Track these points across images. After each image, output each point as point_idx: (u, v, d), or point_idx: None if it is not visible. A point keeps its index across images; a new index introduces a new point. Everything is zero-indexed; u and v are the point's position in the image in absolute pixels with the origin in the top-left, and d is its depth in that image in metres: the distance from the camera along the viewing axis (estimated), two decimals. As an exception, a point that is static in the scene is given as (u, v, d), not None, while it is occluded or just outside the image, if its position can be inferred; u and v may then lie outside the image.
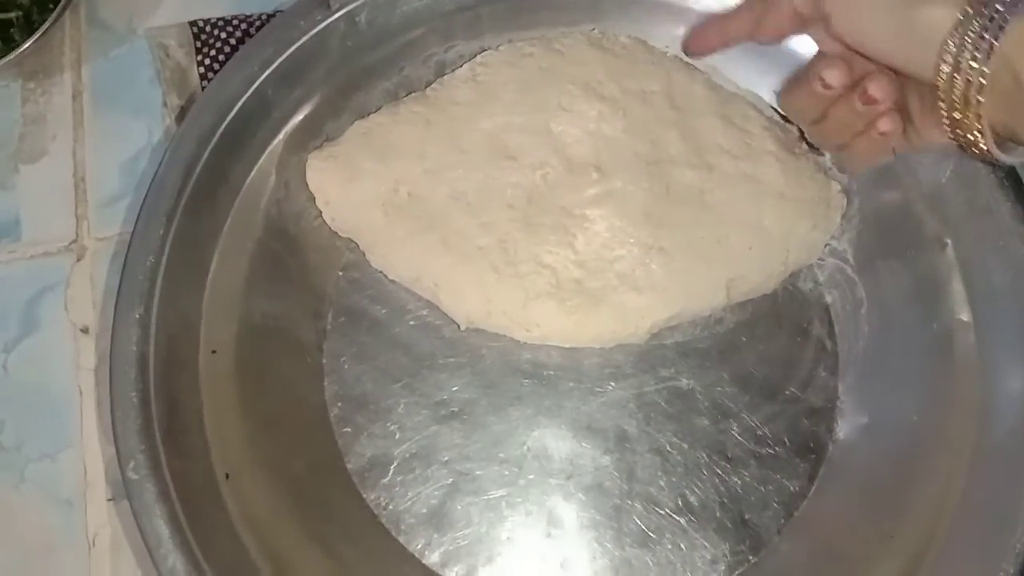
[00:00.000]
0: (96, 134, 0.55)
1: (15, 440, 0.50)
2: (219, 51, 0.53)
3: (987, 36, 0.35)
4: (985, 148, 0.38)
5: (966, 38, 0.36)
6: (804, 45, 0.46)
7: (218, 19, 0.54)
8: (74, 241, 0.53)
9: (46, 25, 0.52)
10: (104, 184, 0.54)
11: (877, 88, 0.41)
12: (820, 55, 0.44)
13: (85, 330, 0.51)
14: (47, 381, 0.51)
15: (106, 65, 0.56)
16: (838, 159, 0.49)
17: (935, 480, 0.46)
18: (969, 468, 0.45)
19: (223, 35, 0.54)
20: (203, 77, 0.53)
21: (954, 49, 0.36)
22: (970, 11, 0.36)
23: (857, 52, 0.41)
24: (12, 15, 0.53)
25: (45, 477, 0.49)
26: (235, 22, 0.54)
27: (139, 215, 0.44)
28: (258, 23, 0.54)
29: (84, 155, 0.54)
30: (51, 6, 0.54)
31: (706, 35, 0.47)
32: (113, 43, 0.56)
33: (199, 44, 0.54)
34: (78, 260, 0.52)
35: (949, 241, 0.48)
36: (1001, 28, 0.35)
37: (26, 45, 0.52)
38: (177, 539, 0.40)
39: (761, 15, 0.44)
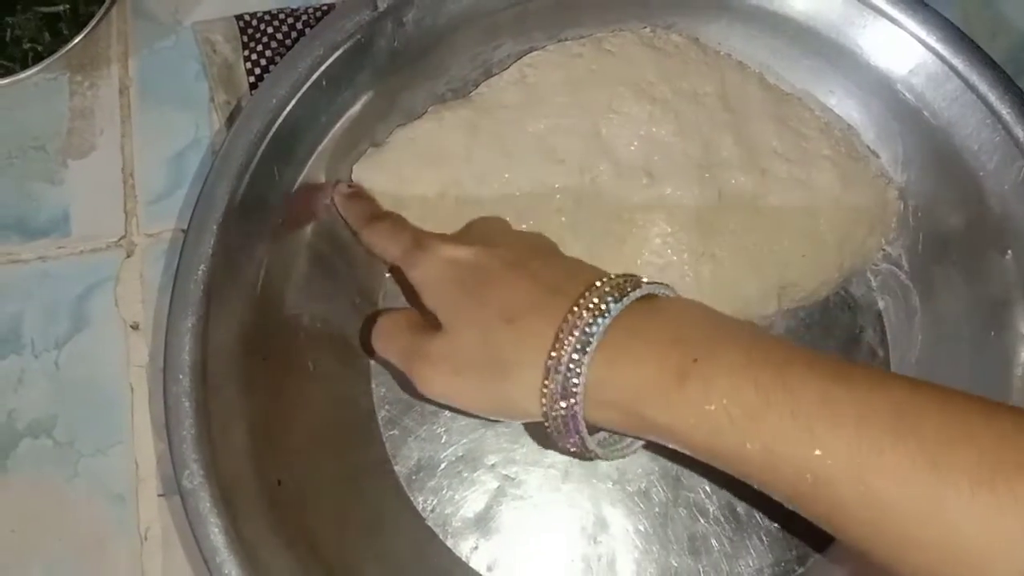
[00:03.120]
0: (143, 129, 0.55)
1: (68, 435, 0.51)
2: (266, 46, 0.53)
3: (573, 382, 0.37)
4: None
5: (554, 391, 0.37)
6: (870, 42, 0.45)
7: (264, 13, 0.54)
8: (123, 237, 0.53)
9: (96, 18, 0.52)
10: (152, 180, 0.54)
11: None
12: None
13: (135, 326, 0.52)
14: (98, 377, 0.52)
15: (152, 58, 0.56)
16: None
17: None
18: None
19: (269, 29, 0.53)
20: (250, 72, 0.53)
21: (546, 404, 0.37)
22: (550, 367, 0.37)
23: None
24: (60, 8, 0.53)
25: (97, 472, 0.50)
26: (281, 16, 0.54)
27: (189, 225, 0.45)
28: (304, 17, 0.54)
29: (132, 150, 0.54)
30: None
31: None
32: (159, 35, 0.56)
33: (245, 39, 0.53)
34: (128, 256, 0.53)
35: (1011, 251, 0.47)
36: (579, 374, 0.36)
37: (76, 40, 0.51)
38: (232, 547, 0.41)
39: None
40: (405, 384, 0.49)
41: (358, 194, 0.48)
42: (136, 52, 0.56)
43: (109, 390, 0.51)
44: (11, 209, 0.53)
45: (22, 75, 0.51)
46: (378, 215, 0.47)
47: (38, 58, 0.52)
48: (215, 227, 0.44)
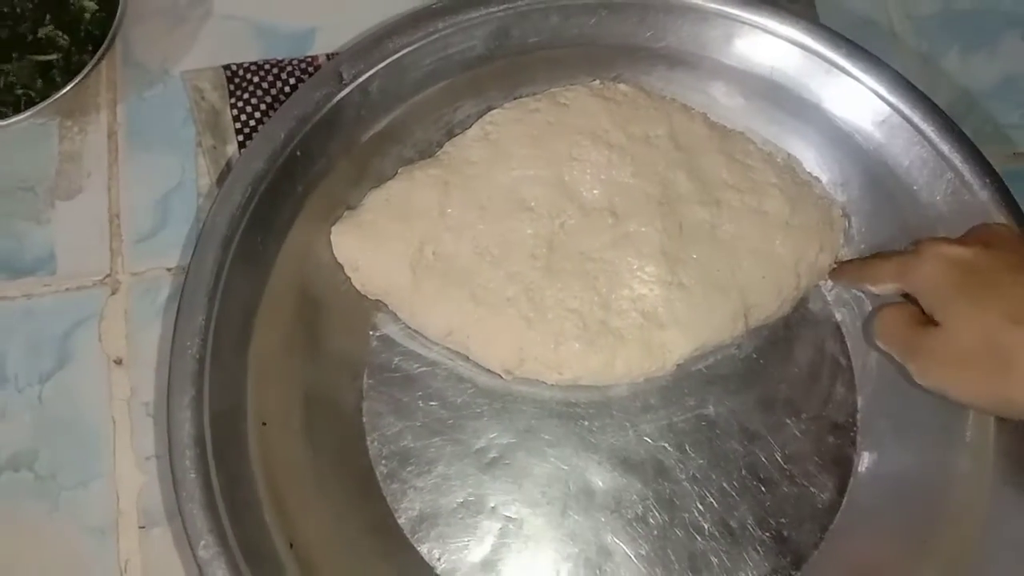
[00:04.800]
0: (130, 171, 0.56)
1: (49, 469, 0.51)
2: (252, 94, 0.56)
3: None
4: None
5: None
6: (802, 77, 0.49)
7: (250, 63, 0.57)
8: (108, 275, 0.54)
9: (88, 68, 0.53)
10: (138, 220, 0.55)
11: None
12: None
13: (119, 361, 0.53)
14: (81, 411, 0.52)
15: (140, 105, 0.57)
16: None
17: (962, 484, 0.48)
18: (993, 469, 0.47)
19: (255, 79, 0.56)
20: (236, 119, 0.55)
21: None
22: None
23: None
24: (53, 56, 0.55)
25: (78, 505, 0.50)
26: (267, 66, 0.57)
27: (180, 299, 0.46)
28: (289, 67, 0.57)
29: (119, 192, 0.56)
30: (89, 47, 0.55)
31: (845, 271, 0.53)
32: (147, 83, 0.58)
33: (232, 87, 0.56)
34: (112, 294, 0.54)
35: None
36: None
37: (67, 88, 0.53)
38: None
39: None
40: (398, 437, 0.50)
41: (842, 267, 0.53)
42: (125, 99, 0.57)
43: (91, 424, 0.52)
44: None
45: (13, 120, 0.53)
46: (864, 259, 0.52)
47: (30, 103, 0.53)
48: (205, 299, 0.46)
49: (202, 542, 0.42)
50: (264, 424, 0.47)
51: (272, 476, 0.46)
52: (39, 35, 0.56)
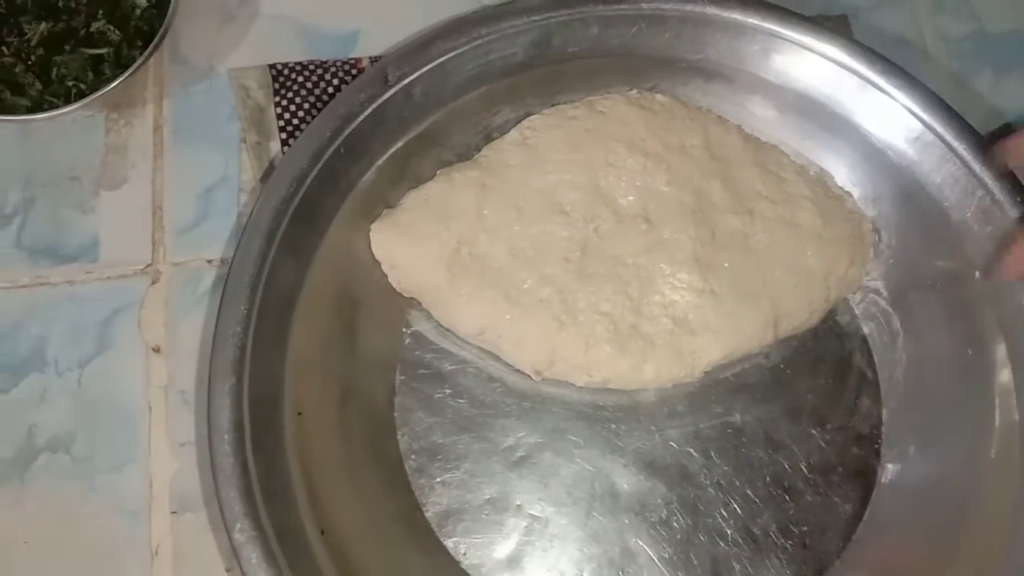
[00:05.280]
0: (174, 164, 0.57)
1: (86, 452, 0.52)
2: (296, 93, 0.57)
3: None
4: None
5: None
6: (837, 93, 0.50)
7: (295, 63, 0.58)
8: (150, 265, 0.55)
9: (138, 63, 0.55)
10: (181, 212, 0.56)
11: None
12: None
13: (157, 349, 0.54)
14: (118, 397, 0.53)
15: (186, 100, 0.59)
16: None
17: (987, 499, 0.49)
18: (1019, 486, 0.48)
19: (300, 78, 0.57)
20: (280, 116, 0.57)
21: None
22: None
23: None
24: (104, 51, 0.57)
25: (113, 488, 0.51)
26: (311, 67, 0.58)
27: (224, 288, 0.47)
28: (332, 68, 0.58)
29: (162, 184, 0.57)
30: (139, 43, 0.57)
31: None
32: (193, 80, 0.59)
33: (276, 86, 0.57)
34: (153, 283, 0.55)
35: (978, 273, 0.52)
36: None
37: (117, 81, 0.54)
38: (284, 596, 0.42)
39: None
40: (428, 433, 0.51)
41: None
42: (171, 94, 0.59)
43: (128, 409, 0.53)
44: (43, 235, 0.56)
45: (64, 110, 0.54)
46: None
47: (80, 95, 0.55)
48: (248, 290, 0.47)
49: (238, 525, 0.43)
50: (300, 414, 0.48)
51: (306, 465, 0.47)
52: (91, 29, 0.57)
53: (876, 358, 0.55)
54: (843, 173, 0.56)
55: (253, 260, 0.48)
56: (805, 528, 0.51)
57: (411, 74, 0.52)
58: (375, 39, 0.60)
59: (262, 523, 0.43)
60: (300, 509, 0.45)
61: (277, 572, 0.43)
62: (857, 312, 0.56)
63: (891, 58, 0.54)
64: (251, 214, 0.49)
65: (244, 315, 0.47)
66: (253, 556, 0.43)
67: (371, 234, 0.53)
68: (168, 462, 0.52)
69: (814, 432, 0.53)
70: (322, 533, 0.46)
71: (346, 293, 0.52)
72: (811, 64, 0.55)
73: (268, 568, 0.43)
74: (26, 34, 0.57)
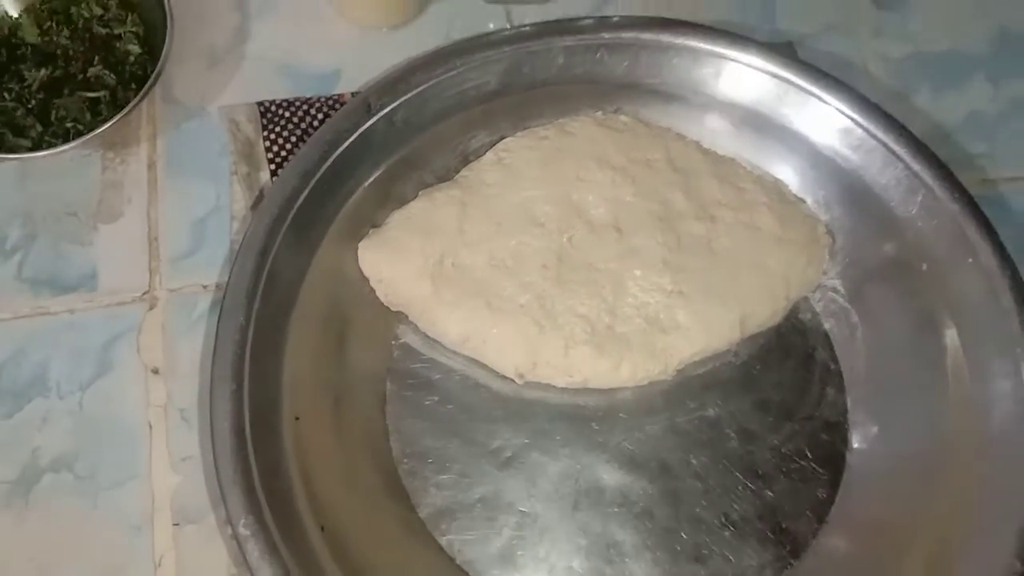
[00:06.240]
0: (169, 197, 0.61)
1: (89, 470, 0.54)
2: (283, 127, 0.61)
3: None
4: None
5: None
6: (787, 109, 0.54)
7: (282, 100, 0.62)
8: (147, 292, 0.58)
9: (132, 103, 0.58)
10: (176, 241, 0.59)
11: None
12: None
13: (156, 371, 0.56)
14: (119, 417, 0.55)
15: (178, 137, 0.62)
16: None
17: (949, 472, 0.52)
18: (976, 457, 0.51)
19: (287, 114, 0.61)
20: (268, 150, 0.60)
21: None
22: None
23: None
24: (101, 94, 0.60)
25: (115, 503, 0.53)
26: (297, 103, 0.62)
27: (222, 301, 0.50)
28: (317, 104, 0.62)
29: (157, 216, 0.60)
30: (133, 85, 0.61)
31: None
32: (185, 118, 0.63)
33: (265, 121, 0.61)
34: (150, 309, 0.58)
35: (925, 265, 0.56)
36: None
37: (113, 120, 0.58)
38: (288, 587, 0.44)
39: None
40: (419, 437, 0.54)
41: None
42: (164, 133, 0.62)
43: (129, 428, 0.55)
44: (44, 267, 0.58)
45: (62, 148, 0.57)
46: None
47: (79, 135, 0.58)
48: (245, 300, 0.50)
49: (242, 520, 0.45)
50: (297, 419, 0.50)
51: (304, 466, 0.49)
52: (88, 75, 0.61)
53: (838, 351, 0.58)
54: (796, 181, 0.60)
55: (248, 275, 0.51)
56: (781, 512, 0.54)
57: (392, 103, 0.56)
58: (355, 76, 0.64)
59: (264, 519, 0.45)
60: (300, 507, 0.48)
61: (280, 564, 0.45)
62: (818, 309, 0.59)
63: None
64: (245, 235, 0.52)
65: (242, 325, 0.49)
66: (257, 549, 0.45)
67: (359, 251, 0.56)
68: (169, 477, 0.54)
69: (784, 422, 0.56)
70: (322, 529, 0.48)
71: (337, 309, 0.55)
72: (760, 82, 0.59)
73: (272, 560, 0.45)
74: (26, 80, 0.61)
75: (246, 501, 0.45)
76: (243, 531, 0.45)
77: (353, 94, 0.63)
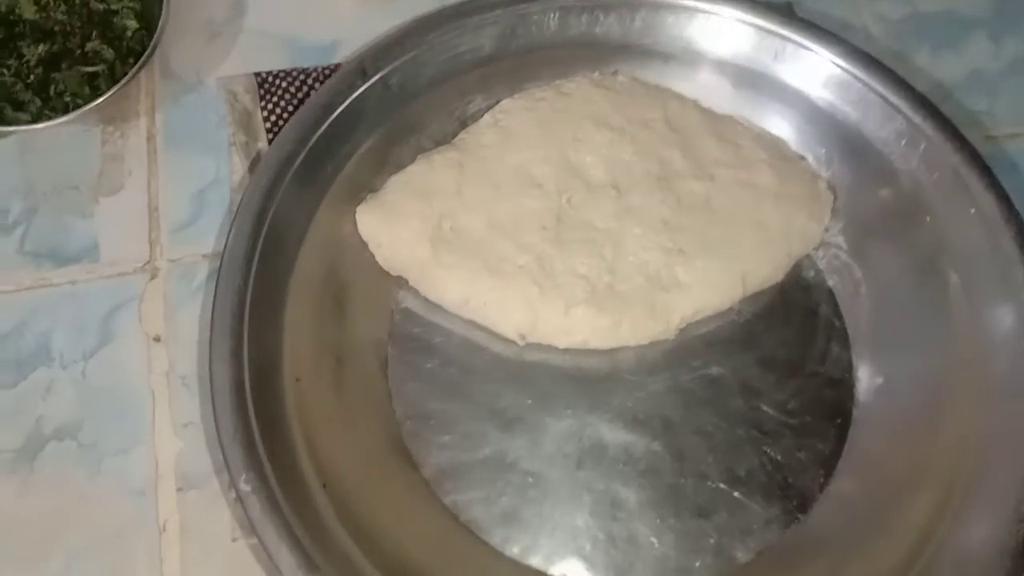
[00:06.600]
0: (168, 169, 0.61)
1: (92, 438, 0.54)
2: (280, 97, 0.61)
3: None
4: None
5: None
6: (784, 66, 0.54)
7: (279, 71, 0.62)
8: (148, 262, 0.58)
9: (129, 75, 0.59)
10: (176, 213, 0.60)
11: None
12: None
13: (157, 339, 0.56)
14: (122, 385, 0.55)
15: (177, 111, 0.63)
16: None
17: (954, 421, 0.51)
18: (981, 405, 0.50)
19: (284, 84, 0.61)
20: (266, 119, 0.61)
21: None
22: None
23: None
24: (99, 68, 0.61)
25: (119, 470, 0.53)
26: (295, 73, 0.62)
27: (221, 260, 0.50)
28: (314, 74, 0.62)
29: (157, 188, 0.60)
30: (131, 60, 0.61)
31: None
32: (183, 91, 0.63)
33: (263, 92, 0.61)
34: (152, 279, 0.58)
35: (928, 217, 0.55)
36: None
37: (111, 91, 0.58)
38: (290, 542, 0.44)
39: None
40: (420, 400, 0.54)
41: None
42: (162, 106, 0.63)
43: (131, 396, 0.55)
44: (46, 239, 0.59)
45: (62, 119, 0.58)
46: None
47: (78, 109, 0.58)
48: (244, 261, 0.50)
49: (243, 476, 0.45)
50: (298, 380, 0.50)
51: (306, 426, 0.49)
52: (86, 49, 0.61)
53: (842, 307, 0.58)
54: (796, 139, 0.60)
55: (247, 236, 0.51)
56: (787, 468, 0.54)
57: (387, 67, 0.56)
58: (352, 47, 0.64)
59: (265, 475, 0.45)
60: (302, 464, 0.48)
61: (282, 521, 0.44)
62: (821, 267, 0.59)
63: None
64: (242, 196, 0.52)
65: (240, 286, 0.49)
66: (258, 505, 0.44)
67: (357, 216, 0.56)
68: (172, 443, 0.54)
69: (788, 379, 0.56)
70: (324, 487, 0.48)
71: (336, 274, 0.55)
72: (757, 40, 0.59)
73: (273, 516, 0.44)
74: (25, 56, 0.61)
75: (247, 457, 0.45)
76: (244, 487, 0.44)
77: (350, 63, 0.63)
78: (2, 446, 0.53)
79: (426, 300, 0.57)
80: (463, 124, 0.60)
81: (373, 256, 0.56)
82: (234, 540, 0.51)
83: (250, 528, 0.45)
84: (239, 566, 0.51)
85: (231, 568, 0.51)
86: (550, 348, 0.56)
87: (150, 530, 0.52)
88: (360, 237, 0.56)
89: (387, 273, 0.57)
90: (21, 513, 0.52)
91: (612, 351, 0.56)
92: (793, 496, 0.53)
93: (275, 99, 0.61)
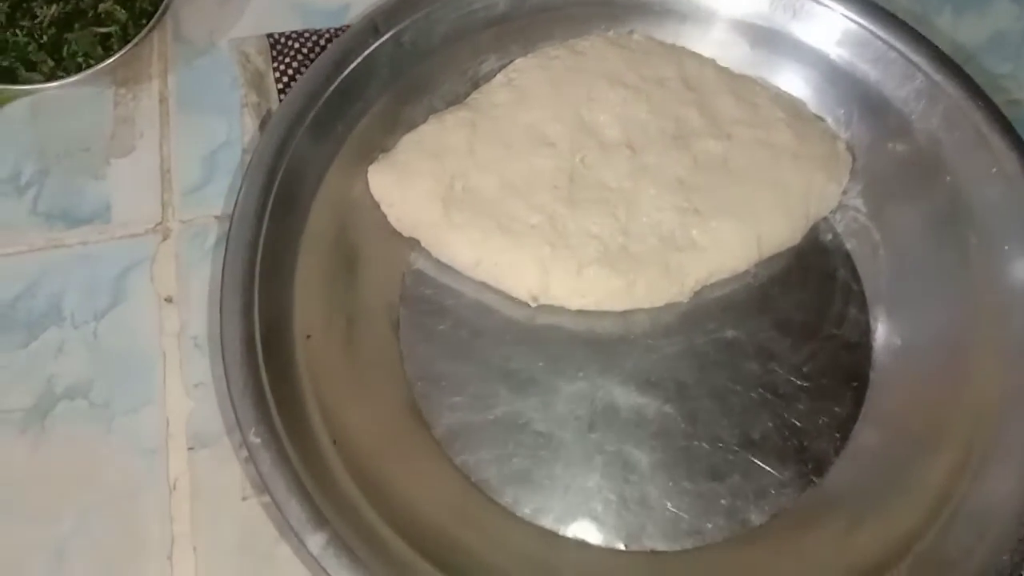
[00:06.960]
0: (180, 131, 0.61)
1: (103, 398, 0.54)
2: (292, 59, 0.61)
3: None
4: None
5: None
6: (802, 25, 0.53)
7: (292, 32, 0.62)
8: (160, 223, 0.58)
9: (142, 34, 0.59)
10: (188, 174, 0.60)
11: None
12: None
13: (169, 299, 0.56)
14: (133, 345, 0.55)
15: (189, 73, 0.63)
16: None
17: (973, 383, 0.50)
18: (1000, 366, 0.50)
19: (296, 45, 0.61)
20: (278, 80, 0.60)
21: None
22: None
23: None
24: (111, 29, 0.61)
25: (130, 429, 0.53)
26: (307, 35, 0.62)
27: (232, 216, 0.49)
28: (327, 35, 0.61)
29: (169, 150, 0.60)
30: (144, 21, 0.61)
31: None
32: (195, 54, 0.63)
33: (275, 53, 0.61)
34: (163, 240, 0.58)
35: (948, 177, 0.54)
36: None
37: (123, 51, 0.58)
38: (299, 495, 0.44)
39: None
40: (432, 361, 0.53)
41: None
42: (174, 69, 0.63)
43: (143, 356, 0.55)
44: (58, 201, 0.59)
45: (74, 78, 0.58)
46: None
47: (89, 69, 0.58)
48: (254, 219, 0.50)
49: (252, 429, 0.44)
50: (309, 337, 0.50)
51: (316, 382, 0.49)
52: (99, 10, 0.61)
53: (860, 270, 0.57)
54: (814, 100, 0.59)
55: (257, 193, 0.50)
56: (803, 432, 0.53)
57: (399, 24, 0.56)
58: (363, 10, 0.63)
59: (275, 428, 0.45)
60: (312, 420, 0.47)
61: (292, 474, 0.44)
62: (839, 230, 0.58)
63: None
64: (253, 153, 0.51)
65: (251, 242, 0.49)
66: (268, 459, 0.44)
67: (369, 175, 0.55)
68: (183, 402, 0.54)
69: (805, 343, 0.55)
70: (334, 443, 0.47)
71: (347, 234, 0.55)
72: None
73: (283, 469, 0.44)
74: (37, 16, 0.61)
75: (256, 411, 0.45)
76: (254, 439, 0.44)
77: (362, 24, 0.62)
78: (14, 405, 0.53)
79: (438, 262, 0.56)
80: (475, 84, 0.59)
81: (385, 216, 0.56)
82: (244, 499, 0.51)
83: (260, 485, 0.44)
84: (249, 525, 0.51)
85: (241, 527, 0.51)
86: (562, 311, 0.55)
87: (160, 489, 0.52)
88: (372, 197, 0.56)
89: (398, 235, 0.56)
90: (33, 471, 0.52)
91: (625, 314, 0.55)
92: (809, 460, 0.52)
93: (287, 60, 0.61)
